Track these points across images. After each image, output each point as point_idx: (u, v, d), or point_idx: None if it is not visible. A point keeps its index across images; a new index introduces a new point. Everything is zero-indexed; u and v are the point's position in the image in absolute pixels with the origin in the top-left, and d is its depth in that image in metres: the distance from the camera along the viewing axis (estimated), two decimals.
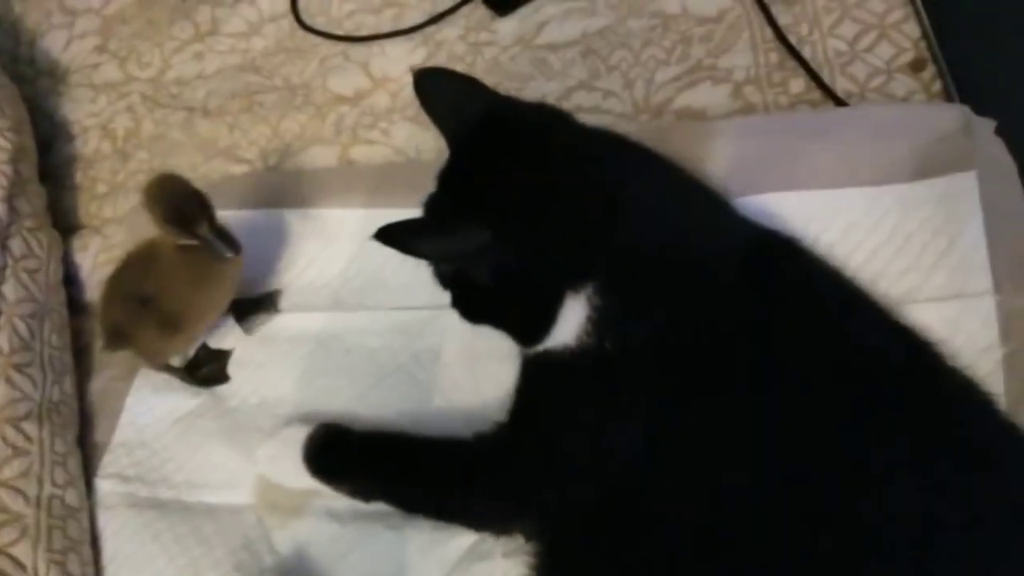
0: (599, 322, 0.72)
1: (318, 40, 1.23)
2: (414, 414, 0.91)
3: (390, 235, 0.71)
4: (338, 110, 1.16)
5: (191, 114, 1.21)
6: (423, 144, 1.10)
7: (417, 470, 0.83)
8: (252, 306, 1.00)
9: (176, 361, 0.99)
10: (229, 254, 0.86)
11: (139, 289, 0.92)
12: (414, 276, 0.97)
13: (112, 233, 1.12)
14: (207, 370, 0.99)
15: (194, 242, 0.86)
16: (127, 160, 1.20)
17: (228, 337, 1.00)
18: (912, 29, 1.04)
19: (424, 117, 1.10)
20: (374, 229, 0.99)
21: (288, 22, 1.26)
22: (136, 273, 0.93)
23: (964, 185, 0.87)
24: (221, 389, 0.97)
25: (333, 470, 0.85)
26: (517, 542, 0.81)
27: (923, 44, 1.03)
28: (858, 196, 0.89)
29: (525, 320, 0.77)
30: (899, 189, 0.89)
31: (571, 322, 0.73)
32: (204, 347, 1.00)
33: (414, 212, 0.97)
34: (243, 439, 0.93)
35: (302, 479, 0.85)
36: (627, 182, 0.77)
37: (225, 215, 1.04)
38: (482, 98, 0.81)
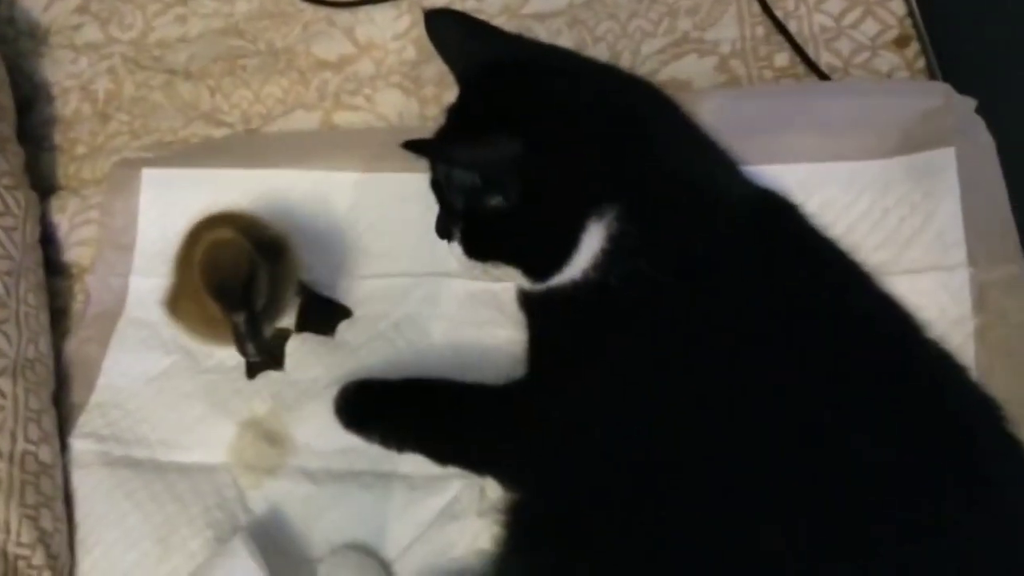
0: (611, 253, 0.72)
1: (303, 5, 1.22)
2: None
3: (422, 145, 0.71)
4: (321, 75, 1.15)
5: (172, 77, 1.20)
6: (407, 111, 1.10)
7: (445, 419, 0.83)
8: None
9: None
10: (251, 352, 0.77)
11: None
12: (395, 243, 0.99)
13: (91, 195, 1.11)
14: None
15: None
16: (107, 122, 1.19)
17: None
18: (898, 6, 1.04)
19: (408, 84, 1.12)
20: (360, 193, 1.01)
21: None
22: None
23: (943, 161, 0.88)
24: (197, 350, 0.96)
25: (364, 421, 0.85)
26: (491, 502, 0.82)
27: (908, 21, 1.03)
28: (838, 170, 0.89)
29: (545, 248, 0.75)
30: (879, 164, 0.90)
31: (588, 252, 0.73)
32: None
33: (403, 176, 0.98)
34: (220, 400, 0.93)
35: (335, 438, 0.86)
36: (650, 114, 0.78)
37: (206, 174, 1.05)
38: (495, 37, 0.81)
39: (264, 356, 0.85)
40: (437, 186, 0.79)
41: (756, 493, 0.64)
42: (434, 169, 0.79)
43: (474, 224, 0.77)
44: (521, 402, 0.80)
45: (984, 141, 0.89)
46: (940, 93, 0.92)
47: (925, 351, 0.74)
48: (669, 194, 0.74)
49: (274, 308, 0.84)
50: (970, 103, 0.91)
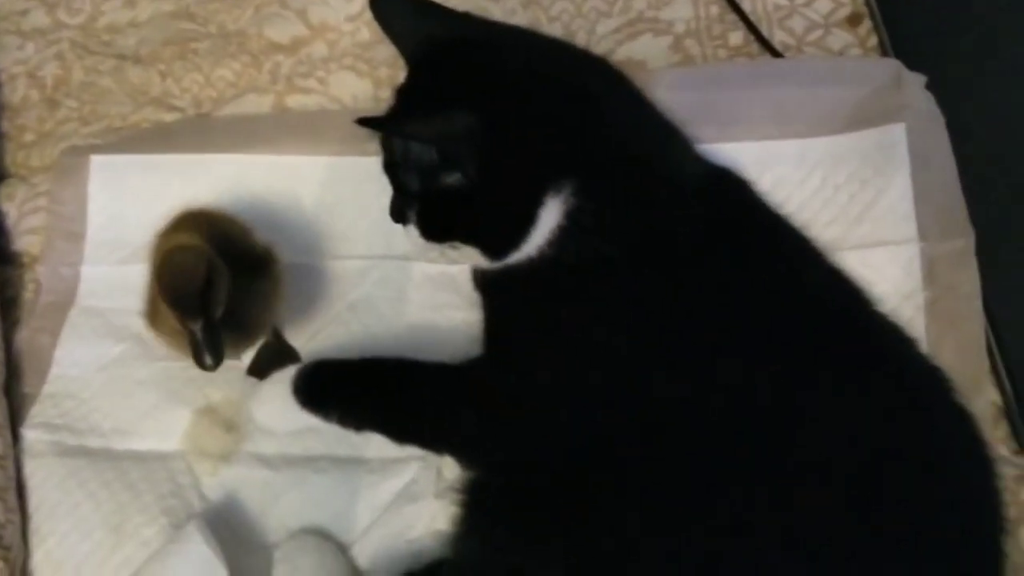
0: (567, 230, 0.72)
1: None
2: None
3: (377, 121, 0.71)
4: (274, 58, 1.14)
5: (122, 61, 1.18)
6: (361, 93, 1.09)
7: (401, 397, 0.82)
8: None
9: None
10: (208, 362, 0.74)
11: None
12: (350, 226, 0.99)
13: (39, 182, 1.09)
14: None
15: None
16: (55, 108, 1.16)
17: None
18: None
19: (362, 66, 1.11)
20: (314, 177, 1.00)
21: None
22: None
23: (893, 137, 0.89)
24: (149, 338, 0.95)
25: (322, 401, 0.82)
26: (448, 483, 0.82)
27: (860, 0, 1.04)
28: (789, 147, 0.90)
29: (503, 225, 0.75)
30: (829, 141, 0.91)
31: (545, 228, 0.73)
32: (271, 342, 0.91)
33: (357, 160, 0.97)
34: (174, 388, 0.92)
35: (292, 418, 0.83)
36: (604, 90, 0.78)
37: (156, 159, 1.04)
38: (443, 16, 0.81)
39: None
40: (390, 168, 0.78)
41: (710, 467, 0.65)
42: (387, 151, 0.78)
43: (430, 205, 0.77)
44: (477, 380, 0.79)
45: (934, 116, 0.91)
46: (890, 70, 0.93)
47: (875, 324, 0.74)
48: (623, 170, 0.75)
49: (252, 323, 0.82)
50: (920, 79, 0.92)
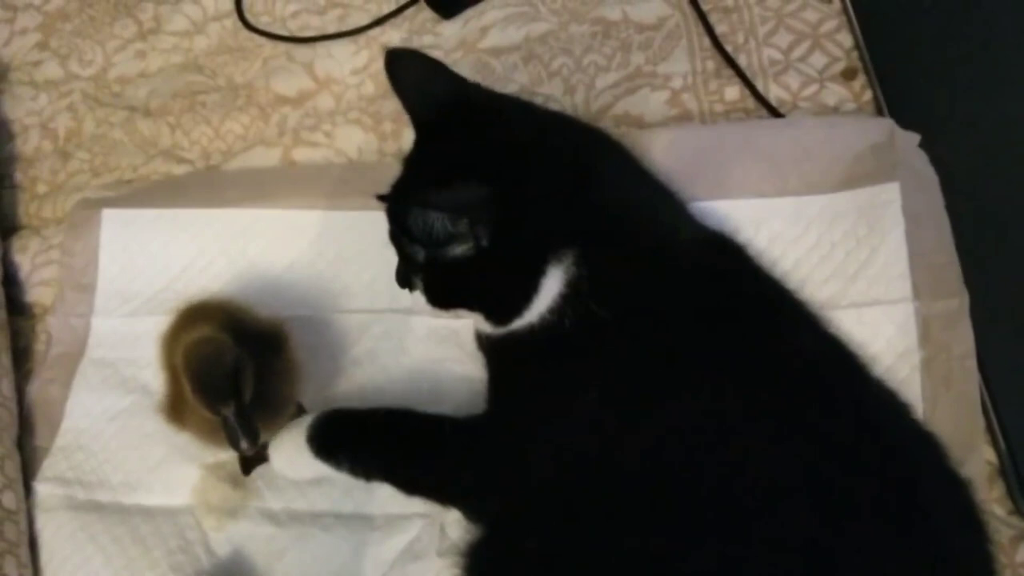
0: (567, 297, 0.73)
1: (262, 40, 1.23)
2: None
3: (396, 198, 0.74)
4: (281, 111, 1.16)
5: (132, 113, 1.20)
6: (365, 146, 1.11)
7: (411, 449, 0.83)
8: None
9: None
10: (244, 445, 0.76)
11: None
12: (354, 279, 1.00)
13: (52, 234, 1.11)
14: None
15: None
16: (68, 160, 1.19)
17: None
18: (845, 39, 1.07)
19: (367, 119, 1.13)
20: (320, 231, 1.02)
21: (232, 21, 1.25)
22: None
23: (887, 196, 0.90)
24: (158, 389, 0.96)
25: (333, 450, 0.83)
26: (451, 542, 0.83)
27: (855, 54, 1.06)
28: (785, 205, 0.91)
29: (508, 293, 0.76)
30: (825, 199, 0.92)
31: (548, 296, 0.74)
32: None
33: (362, 214, 0.99)
34: (181, 442, 0.92)
35: (305, 467, 0.84)
36: (600, 159, 0.80)
37: (166, 213, 1.06)
38: (449, 82, 0.82)
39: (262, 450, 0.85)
40: (396, 239, 0.80)
41: (703, 537, 0.66)
42: (393, 222, 0.79)
43: (436, 273, 0.78)
44: (481, 436, 0.81)
45: (928, 176, 0.92)
46: (884, 129, 0.94)
47: (868, 392, 0.75)
48: (620, 239, 0.76)
49: (279, 401, 0.83)
50: (913, 138, 0.93)
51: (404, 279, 0.81)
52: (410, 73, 0.83)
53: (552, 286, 0.74)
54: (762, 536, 0.65)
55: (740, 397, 0.71)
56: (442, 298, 0.80)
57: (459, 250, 0.73)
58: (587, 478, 0.72)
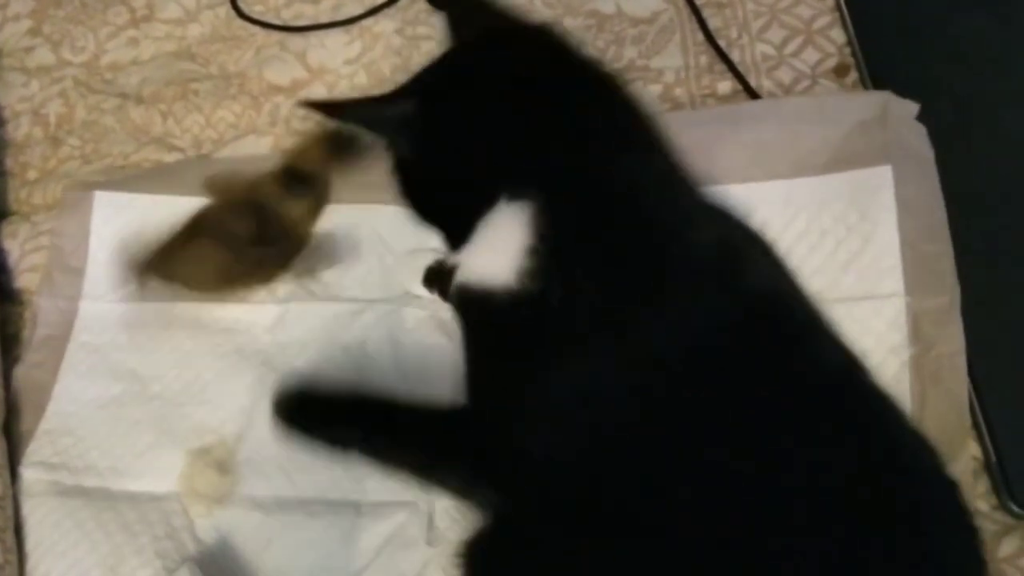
0: (543, 258, 0.67)
1: (255, 29, 1.23)
2: None
3: (320, 105, 0.71)
4: (273, 100, 1.16)
5: (124, 101, 1.20)
6: None
7: (388, 439, 0.78)
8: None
9: None
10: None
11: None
12: (345, 268, 1.00)
13: (42, 220, 1.11)
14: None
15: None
16: (58, 146, 1.19)
17: None
18: (838, 35, 1.07)
19: None
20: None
21: (225, 10, 1.25)
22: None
23: (879, 181, 0.89)
24: (146, 374, 0.97)
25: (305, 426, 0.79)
26: (439, 531, 0.84)
27: (847, 50, 1.06)
28: (773, 190, 0.90)
29: (448, 211, 0.73)
30: (814, 181, 0.90)
31: (507, 238, 0.67)
32: None
33: (352, 206, 0.99)
34: (168, 427, 0.93)
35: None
36: (600, 119, 0.72)
37: (159, 199, 1.06)
38: (495, 15, 0.77)
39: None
40: None
41: (691, 542, 0.65)
42: None
43: (401, 180, 0.75)
44: (463, 424, 0.75)
45: (924, 154, 0.90)
46: (877, 103, 0.92)
47: (866, 395, 0.73)
48: (609, 206, 0.69)
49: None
50: (911, 108, 0.91)
51: None
52: (459, 5, 0.79)
53: (510, 228, 0.67)
54: (754, 544, 0.65)
55: (740, 397, 0.67)
56: (410, 207, 0.76)
57: (391, 157, 0.73)
58: (567, 473, 0.70)
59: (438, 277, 0.92)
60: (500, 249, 0.67)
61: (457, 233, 0.72)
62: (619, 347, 0.70)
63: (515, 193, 0.67)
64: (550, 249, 0.66)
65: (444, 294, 0.78)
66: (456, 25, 0.79)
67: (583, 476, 0.69)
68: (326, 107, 0.71)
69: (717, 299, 0.70)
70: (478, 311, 0.75)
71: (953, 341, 0.83)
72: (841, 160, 0.91)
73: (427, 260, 0.96)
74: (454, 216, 0.72)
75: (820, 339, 0.75)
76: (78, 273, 1.05)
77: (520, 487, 0.72)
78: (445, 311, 0.95)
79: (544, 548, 0.69)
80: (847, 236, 0.88)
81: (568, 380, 0.71)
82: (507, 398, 0.72)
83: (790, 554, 0.63)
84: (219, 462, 0.90)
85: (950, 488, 0.69)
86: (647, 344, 0.69)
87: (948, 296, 0.84)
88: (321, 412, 0.80)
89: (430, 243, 0.93)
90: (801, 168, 0.91)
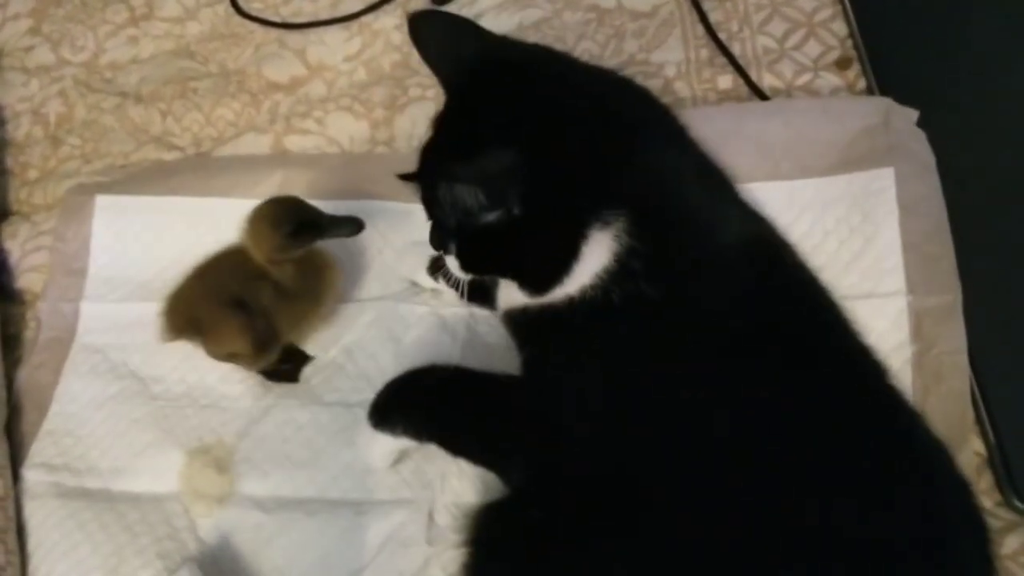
0: (615, 270, 0.69)
1: (254, 26, 1.23)
2: (344, 405, 0.92)
3: (421, 175, 0.70)
4: (273, 98, 1.16)
5: (124, 100, 1.20)
6: (357, 134, 1.10)
7: (461, 414, 0.81)
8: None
9: None
10: (356, 229, 0.86)
11: (237, 294, 0.88)
12: (345, 268, 0.99)
13: (42, 220, 1.11)
14: (281, 366, 0.95)
15: (315, 242, 0.87)
16: (59, 146, 1.19)
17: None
18: (840, 27, 1.06)
19: (359, 107, 1.13)
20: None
21: (224, 7, 1.25)
22: (235, 278, 0.89)
23: (881, 182, 0.89)
24: (147, 375, 0.97)
25: (387, 417, 0.82)
26: (440, 530, 0.83)
27: (849, 43, 1.05)
28: (777, 190, 0.90)
29: (544, 259, 0.72)
30: (818, 183, 0.91)
31: (592, 265, 0.70)
32: (289, 345, 0.95)
33: (352, 203, 0.98)
34: (169, 427, 0.93)
35: (376, 447, 0.85)
36: (643, 122, 0.75)
37: (160, 201, 1.06)
38: (479, 40, 0.78)
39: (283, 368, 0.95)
40: (428, 203, 0.77)
41: (717, 532, 0.65)
42: (424, 188, 0.76)
43: (468, 239, 0.75)
44: (521, 407, 0.77)
45: (925, 158, 0.90)
46: (880, 109, 0.93)
47: (884, 398, 0.73)
48: (673, 209, 0.72)
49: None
50: (911, 115, 0.92)
51: (438, 242, 0.78)
52: (435, 35, 0.79)
53: (597, 254, 0.69)
54: (775, 537, 0.64)
55: (771, 396, 0.67)
56: (475, 264, 0.76)
57: (491, 218, 0.70)
58: (617, 460, 0.69)
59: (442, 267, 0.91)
60: (581, 270, 0.70)
61: (549, 275, 0.72)
62: (667, 338, 0.70)
63: (602, 221, 0.69)
64: (631, 256, 0.69)
65: (464, 264, 0.77)
66: (433, 52, 0.80)
67: (610, 460, 0.70)
68: (430, 174, 0.70)
69: (758, 294, 0.72)
70: (534, 323, 0.76)
71: (955, 339, 0.83)
72: (844, 162, 0.92)
73: (428, 251, 0.95)
74: (550, 260, 0.72)
75: (847, 339, 0.75)
76: (80, 275, 1.05)
77: (551, 460, 0.72)
78: (444, 308, 0.95)
79: (550, 532, 0.69)
80: (850, 236, 0.89)
81: (616, 368, 0.71)
82: (559, 393, 0.73)
83: (812, 541, 0.63)
84: (218, 461, 0.90)
85: (962, 488, 0.69)
86: (693, 335, 0.70)
87: (950, 295, 0.84)
88: (397, 409, 0.83)
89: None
90: (805, 169, 0.92)
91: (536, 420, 0.75)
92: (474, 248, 0.75)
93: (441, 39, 0.79)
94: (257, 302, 0.87)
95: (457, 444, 0.81)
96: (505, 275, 0.76)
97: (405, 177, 0.70)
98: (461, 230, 0.74)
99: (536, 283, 0.73)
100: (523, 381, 0.77)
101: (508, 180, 0.68)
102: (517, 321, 0.79)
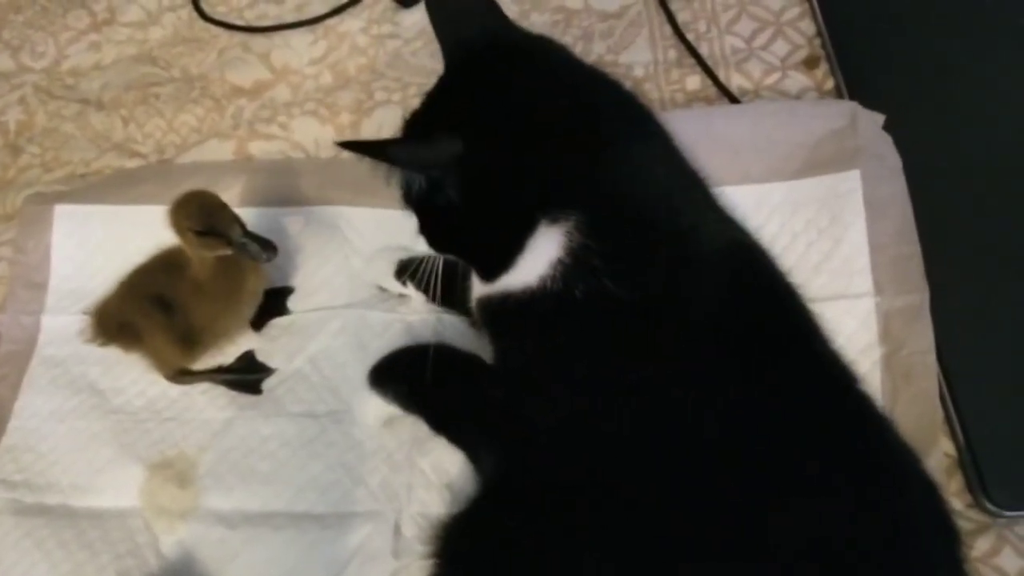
0: (573, 265, 0.69)
1: (218, 30, 1.21)
2: (310, 416, 0.91)
3: (360, 145, 0.68)
4: (236, 103, 1.14)
5: (85, 107, 1.18)
6: (322, 139, 1.09)
7: (444, 395, 0.83)
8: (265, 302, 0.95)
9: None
10: (265, 256, 0.83)
11: (159, 292, 0.89)
12: (311, 276, 0.98)
13: (2, 230, 1.09)
14: (241, 377, 0.95)
15: (228, 252, 0.84)
16: (18, 155, 1.16)
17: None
18: (807, 26, 1.06)
19: (324, 111, 1.11)
20: (277, 226, 0.99)
21: (187, 11, 1.23)
22: (158, 276, 0.90)
23: (848, 185, 0.89)
24: (106, 387, 0.95)
25: (382, 380, 0.86)
26: (407, 541, 0.82)
27: (817, 42, 1.05)
28: (746, 194, 0.90)
29: (490, 246, 0.73)
30: (786, 186, 0.91)
31: (541, 257, 0.70)
32: (249, 355, 0.96)
33: (318, 210, 0.97)
34: (129, 440, 0.92)
35: (373, 406, 0.87)
36: (622, 128, 0.74)
37: (121, 210, 1.04)
38: (488, 21, 0.77)
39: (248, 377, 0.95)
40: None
41: (685, 540, 0.64)
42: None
43: (423, 214, 0.76)
44: (495, 395, 0.79)
45: (891, 161, 0.91)
46: (846, 112, 0.93)
47: (856, 405, 0.72)
48: (640, 214, 0.71)
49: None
50: (877, 119, 0.92)
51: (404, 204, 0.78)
52: (447, 11, 0.79)
53: (545, 248, 0.69)
54: (745, 540, 0.63)
55: (741, 399, 0.67)
56: (431, 239, 0.77)
57: (438, 200, 0.70)
58: (580, 457, 0.70)
59: (410, 270, 0.92)
60: (528, 262, 0.71)
61: (494, 263, 0.73)
62: (635, 338, 0.69)
63: (551, 216, 0.69)
64: (578, 258, 0.69)
65: (427, 239, 0.78)
66: (444, 26, 0.79)
67: (575, 457, 0.70)
68: (366, 147, 0.69)
69: (728, 297, 0.71)
70: (499, 312, 0.76)
71: (923, 340, 0.83)
72: (812, 165, 0.91)
73: (396, 256, 0.95)
74: (494, 248, 0.73)
75: (818, 345, 0.75)
76: (41, 288, 1.03)
77: (519, 452, 0.73)
78: (412, 314, 0.94)
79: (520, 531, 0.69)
80: (818, 238, 0.89)
81: (576, 362, 0.71)
82: (524, 375, 0.75)
83: (779, 544, 0.62)
84: (180, 475, 0.89)
85: (932, 491, 0.68)
86: (662, 336, 0.69)
87: (918, 296, 0.84)
88: (391, 375, 0.87)
89: (397, 241, 0.94)
90: (774, 172, 0.92)
91: (505, 410, 0.76)
92: (427, 223, 0.76)
93: (450, 15, 0.79)
94: (176, 298, 0.88)
95: (437, 422, 0.83)
96: (460, 256, 0.78)
97: (345, 145, 0.68)
98: (419, 207, 0.75)
99: (483, 269, 0.75)
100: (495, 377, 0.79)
101: (445, 168, 0.68)
102: (485, 309, 0.79)
